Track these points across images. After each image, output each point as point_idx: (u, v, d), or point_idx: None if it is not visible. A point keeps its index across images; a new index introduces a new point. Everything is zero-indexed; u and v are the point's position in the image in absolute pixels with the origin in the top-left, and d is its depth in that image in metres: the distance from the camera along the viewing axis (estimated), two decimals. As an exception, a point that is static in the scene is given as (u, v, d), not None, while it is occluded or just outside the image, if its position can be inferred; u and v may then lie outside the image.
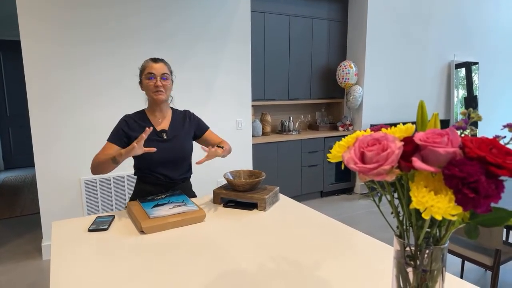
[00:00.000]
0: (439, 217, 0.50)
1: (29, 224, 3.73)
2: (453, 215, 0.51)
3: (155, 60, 1.69)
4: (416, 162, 0.53)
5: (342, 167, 0.64)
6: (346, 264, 1.10)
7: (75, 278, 1.04)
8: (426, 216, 0.51)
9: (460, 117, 5.55)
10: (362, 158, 0.56)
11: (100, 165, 1.59)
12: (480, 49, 5.55)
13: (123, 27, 3.07)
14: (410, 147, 0.55)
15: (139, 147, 1.45)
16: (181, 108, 1.94)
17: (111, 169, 1.58)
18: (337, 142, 0.63)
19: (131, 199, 1.78)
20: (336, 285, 0.98)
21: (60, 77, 2.89)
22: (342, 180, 4.69)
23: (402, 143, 0.55)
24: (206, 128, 1.90)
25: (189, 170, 1.85)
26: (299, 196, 4.43)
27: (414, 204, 0.52)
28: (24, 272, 2.74)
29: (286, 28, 4.31)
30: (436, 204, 0.51)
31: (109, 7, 3.00)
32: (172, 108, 1.84)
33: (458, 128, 0.59)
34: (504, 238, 2.49)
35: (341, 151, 0.61)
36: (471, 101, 5.44)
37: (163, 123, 1.76)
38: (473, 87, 5.45)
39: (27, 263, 2.88)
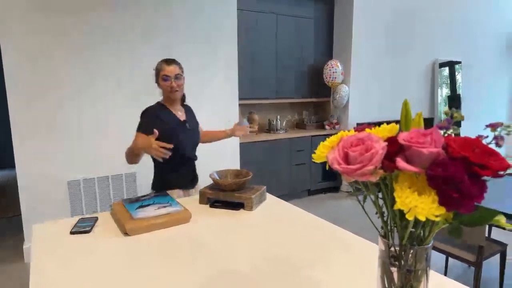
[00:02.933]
0: (423, 218, 0.50)
1: (12, 226, 3.64)
2: (436, 216, 0.51)
3: (168, 62, 1.86)
4: (400, 162, 0.52)
5: (327, 167, 0.63)
6: (335, 263, 1.10)
7: (55, 283, 1.00)
8: (410, 217, 0.51)
9: (443, 116, 5.65)
10: (346, 159, 0.56)
11: (128, 156, 1.82)
12: (463, 48, 5.65)
13: (106, 29, 3.01)
14: (394, 148, 0.55)
15: (154, 148, 1.63)
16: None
17: (137, 161, 1.82)
18: (321, 142, 0.62)
19: (153, 186, 1.97)
20: (326, 284, 0.98)
21: (42, 75, 2.81)
22: (329, 179, 4.71)
23: (386, 143, 0.55)
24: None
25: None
26: (287, 195, 4.43)
27: (398, 205, 0.51)
28: (6, 275, 2.67)
29: (273, 26, 4.30)
30: (420, 204, 0.50)
31: (94, 10, 2.93)
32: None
33: (441, 128, 0.59)
34: (486, 235, 2.54)
35: (325, 151, 0.60)
36: (454, 100, 5.53)
37: (182, 115, 1.99)
38: (456, 86, 5.54)
39: (9, 266, 2.80)
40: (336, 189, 4.85)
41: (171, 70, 1.86)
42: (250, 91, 4.20)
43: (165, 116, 1.91)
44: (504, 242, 2.21)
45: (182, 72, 1.92)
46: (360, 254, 1.16)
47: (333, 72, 4.45)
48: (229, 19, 3.62)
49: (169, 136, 1.80)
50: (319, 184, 4.64)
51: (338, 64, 4.46)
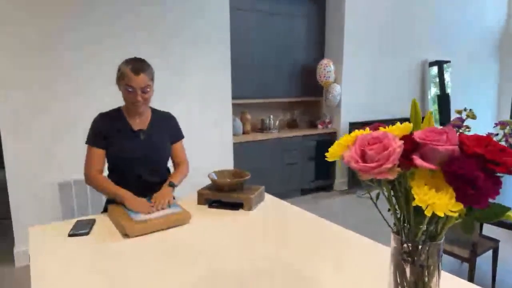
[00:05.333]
0: (441, 214, 0.51)
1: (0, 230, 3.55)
2: (453, 212, 0.52)
3: (136, 71, 1.50)
4: (417, 160, 0.53)
5: (339, 165, 0.64)
6: (336, 261, 1.11)
7: (57, 286, 0.99)
8: (428, 213, 0.52)
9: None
10: (363, 157, 0.56)
11: (98, 190, 1.63)
12: (452, 48, 5.73)
13: (95, 20, 2.97)
14: (410, 145, 0.55)
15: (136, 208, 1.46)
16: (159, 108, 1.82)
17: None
18: (336, 141, 0.62)
19: (105, 208, 1.68)
20: (329, 284, 0.98)
21: (32, 71, 2.74)
22: (321, 178, 4.73)
23: (402, 141, 0.56)
24: (180, 138, 1.81)
25: (167, 174, 1.78)
26: (279, 194, 4.42)
27: (417, 202, 0.52)
28: (-5, 280, 2.61)
29: (266, 25, 4.29)
30: (438, 201, 0.51)
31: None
32: (152, 108, 1.75)
33: (454, 126, 0.60)
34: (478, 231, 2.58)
35: (340, 150, 0.61)
36: (444, 99, 5.61)
37: (141, 123, 1.68)
38: (445, 85, 5.62)
39: (-2, 270, 2.74)
40: (328, 187, 4.87)
41: (138, 82, 1.51)
42: (242, 90, 4.19)
43: (114, 123, 1.65)
44: (496, 238, 2.25)
45: (152, 79, 1.58)
46: (363, 253, 1.17)
47: (327, 72, 4.47)
48: (222, 18, 3.61)
49: (119, 146, 1.62)
50: (312, 183, 4.65)
51: (331, 63, 4.49)
